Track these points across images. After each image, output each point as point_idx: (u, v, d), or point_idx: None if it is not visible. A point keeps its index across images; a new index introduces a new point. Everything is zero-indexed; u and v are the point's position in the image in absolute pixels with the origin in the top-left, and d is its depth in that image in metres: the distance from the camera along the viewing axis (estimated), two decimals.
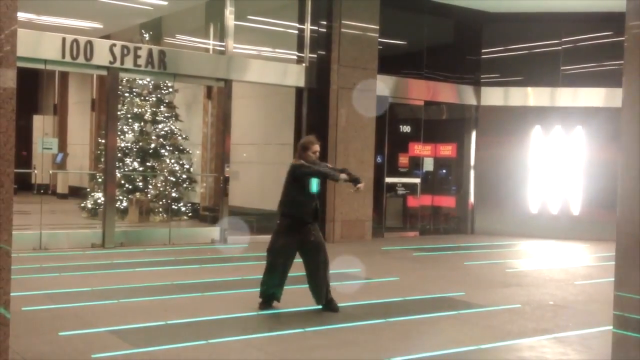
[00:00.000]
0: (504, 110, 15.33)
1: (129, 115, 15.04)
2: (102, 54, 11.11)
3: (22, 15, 13.27)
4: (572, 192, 14.97)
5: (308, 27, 13.41)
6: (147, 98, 15.24)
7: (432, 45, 15.13)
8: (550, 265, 11.32)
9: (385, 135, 14.11)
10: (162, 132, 15.22)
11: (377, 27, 13.61)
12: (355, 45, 13.30)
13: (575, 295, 8.63)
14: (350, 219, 13.23)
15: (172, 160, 15.17)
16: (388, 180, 14.24)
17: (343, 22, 13.12)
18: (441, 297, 8.12)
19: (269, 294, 7.11)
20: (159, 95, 15.35)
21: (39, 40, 10.70)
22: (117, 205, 12.92)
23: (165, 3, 14.31)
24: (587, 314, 7.49)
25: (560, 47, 15.06)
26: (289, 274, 7.14)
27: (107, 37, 15.93)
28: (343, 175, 6.85)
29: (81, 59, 10.91)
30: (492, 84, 15.50)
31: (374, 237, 13.67)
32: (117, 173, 12.78)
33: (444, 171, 15.59)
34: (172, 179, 15.07)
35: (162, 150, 15.03)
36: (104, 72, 11.49)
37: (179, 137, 15.45)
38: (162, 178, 15.05)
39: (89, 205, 14.88)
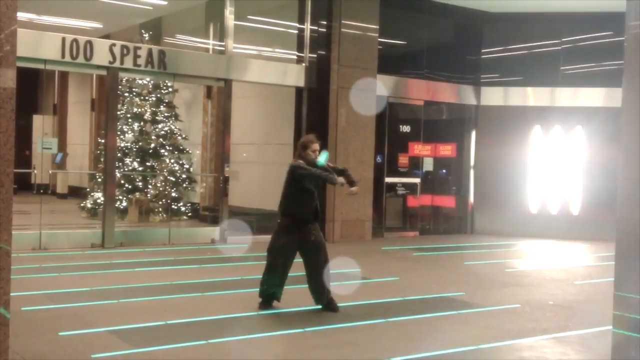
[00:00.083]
0: (504, 110, 15.33)
1: (128, 115, 15.03)
2: (101, 54, 11.11)
3: (22, 15, 13.27)
4: (572, 192, 14.97)
5: (308, 27, 13.41)
6: (146, 98, 15.24)
7: (432, 45, 15.14)
8: (550, 265, 11.32)
9: (385, 135, 14.11)
10: (162, 132, 15.22)
11: (377, 27, 13.61)
12: (355, 45, 13.30)
13: (575, 295, 8.63)
14: (350, 219, 13.23)
15: (172, 160, 15.17)
16: (388, 180, 14.24)
17: (343, 22, 13.12)
18: (441, 297, 8.12)
19: (269, 293, 7.11)
20: (158, 95, 15.35)
21: (39, 40, 10.69)
22: (116, 205, 12.92)
23: (165, 3, 14.31)
24: (587, 314, 7.48)
25: (560, 47, 15.06)
26: (289, 274, 7.14)
27: (106, 37, 15.93)
28: (340, 179, 6.85)
29: (81, 59, 10.91)
30: (492, 83, 15.50)
31: (374, 237, 13.67)
32: (116, 173, 12.77)
33: (444, 171, 15.59)
34: (172, 178, 15.07)
35: (162, 150, 15.02)
36: (104, 72, 11.49)
37: (179, 137, 15.45)
38: (161, 178, 15.05)
39: (89, 205, 14.88)
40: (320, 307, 7.07)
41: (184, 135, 15.57)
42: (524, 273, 10.31)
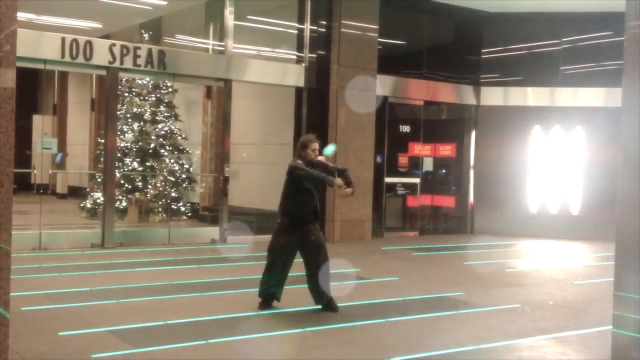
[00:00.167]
0: (504, 110, 15.33)
1: (128, 115, 15.03)
2: (101, 54, 11.11)
3: (22, 15, 13.26)
4: (572, 192, 14.97)
5: (308, 27, 13.41)
6: (146, 98, 15.23)
7: (431, 45, 15.14)
8: (550, 265, 11.32)
9: (384, 135, 14.11)
10: (162, 132, 15.22)
11: (377, 27, 13.61)
12: (355, 45, 13.30)
13: (575, 295, 8.63)
14: (350, 219, 13.23)
15: (172, 160, 15.17)
16: (388, 180, 14.24)
17: (343, 22, 13.12)
18: (441, 297, 8.12)
19: (269, 293, 7.11)
20: (158, 95, 15.35)
21: (39, 40, 10.69)
22: (116, 205, 12.91)
23: (165, 3, 14.31)
24: (587, 314, 7.48)
25: (559, 47, 15.06)
26: (289, 274, 7.14)
27: (106, 37, 15.93)
28: (338, 181, 6.85)
29: (81, 59, 10.91)
30: (492, 84, 15.50)
31: (374, 237, 13.67)
32: (116, 173, 12.77)
33: (444, 171, 15.60)
34: (172, 178, 15.07)
35: (162, 150, 15.02)
36: (104, 72, 11.48)
37: (179, 137, 15.45)
38: (161, 178, 15.05)
39: (89, 205, 14.88)
40: (320, 307, 7.07)
41: (183, 135, 15.57)
42: (524, 273, 10.31)
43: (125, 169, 14.62)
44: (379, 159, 13.96)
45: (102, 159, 13.21)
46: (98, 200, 14.00)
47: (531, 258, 12.16)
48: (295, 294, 7.31)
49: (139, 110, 15.11)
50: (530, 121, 15.14)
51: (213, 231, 12.54)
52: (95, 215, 14.37)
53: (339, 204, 12.93)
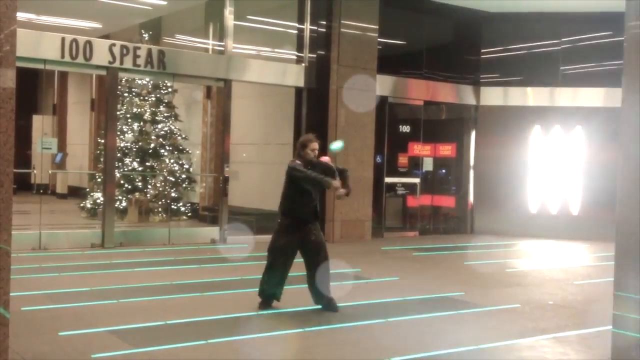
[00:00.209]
0: (504, 110, 15.33)
1: (128, 115, 15.03)
2: (101, 54, 11.11)
3: (22, 15, 13.26)
4: (572, 192, 14.97)
5: (307, 27, 13.41)
6: (146, 98, 15.23)
7: (431, 45, 15.13)
8: (549, 265, 11.32)
9: (384, 135, 14.10)
10: (162, 132, 15.22)
11: (377, 27, 13.61)
12: (355, 45, 13.30)
13: (575, 295, 8.63)
14: (350, 219, 13.23)
15: (172, 160, 15.17)
16: (388, 180, 14.24)
17: (342, 22, 13.12)
18: (441, 297, 8.12)
19: (269, 293, 7.11)
20: (158, 95, 15.35)
21: (39, 40, 10.69)
22: (116, 205, 12.91)
23: (165, 3, 14.31)
24: (587, 313, 7.49)
25: (560, 47, 15.05)
26: (289, 274, 7.15)
27: (106, 37, 15.93)
28: (335, 183, 6.87)
29: (80, 59, 10.91)
30: (491, 83, 15.50)
31: (374, 237, 13.67)
32: (116, 173, 12.77)
33: (444, 171, 15.59)
34: (172, 178, 15.07)
35: (162, 150, 15.02)
36: (103, 72, 11.48)
37: (179, 137, 15.45)
38: (161, 178, 15.05)
39: (89, 205, 14.88)
40: (320, 307, 7.08)
41: (183, 135, 15.57)
42: (524, 273, 10.31)
43: (125, 169, 14.62)
44: (378, 159, 13.96)
45: (102, 159, 13.21)
46: (98, 200, 14.00)
47: (531, 258, 12.16)
48: (296, 294, 7.31)
49: (139, 110, 15.11)
50: (530, 121, 15.13)
51: (213, 231, 12.54)
52: (95, 215, 14.37)
53: (338, 204, 12.93)
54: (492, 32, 15.48)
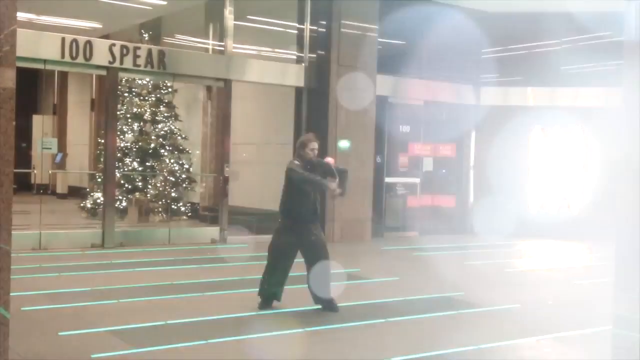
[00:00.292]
0: (504, 110, 15.31)
1: (128, 115, 15.02)
2: (101, 54, 11.11)
3: (22, 15, 13.25)
4: (572, 192, 14.97)
5: (307, 27, 13.41)
6: (146, 98, 15.22)
7: (431, 45, 15.10)
8: (550, 265, 11.32)
9: (384, 135, 14.10)
10: (162, 132, 15.21)
11: (376, 27, 13.61)
12: (355, 45, 13.30)
13: (575, 295, 8.63)
14: (350, 219, 13.23)
15: (172, 160, 15.16)
16: (388, 180, 14.23)
17: (342, 22, 13.12)
18: (441, 297, 8.11)
19: (269, 293, 7.11)
20: (158, 95, 15.34)
21: (39, 40, 10.69)
22: (116, 205, 12.91)
23: (165, 3, 14.30)
24: (587, 313, 7.48)
25: (560, 47, 15.03)
26: (289, 274, 7.14)
27: (106, 37, 15.92)
28: (332, 185, 6.88)
29: (80, 59, 10.90)
30: (492, 84, 15.48)
31: (374, 236, 13.66)
32: (116, 173, 12.76)
33: (444, 171, 15.59)
34: (172, 178, 15.06)
35: (162, 150, 15.01)
36: (104, 72, 11.48)
37: (179, 137, 15.43)
38: (161, 178, 15.04)
39: (89, 205, 14.87)
40: (320, 307, 7.07)
41: (183, 135, 15.56)
42: (524, 273, 10.31)
43: (125, 169, 14.62)
44: (378, 159, 13.95)
45: (102, 159, 13.21)
46: (98, 200, 13.99)
47: (531, 258, 12.16)
48: (296, 294, 7.30)
49: (139, 110, 15.10)
50: (531, 121, 15.12)
51: (213, 231, 12.53)
52: (95, 215, 14.36)
53: (339, 204, 12.91)
54: (492, 32, 15.45)
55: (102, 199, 12.39)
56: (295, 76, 13.22)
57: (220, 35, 13.38)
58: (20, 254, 9.87)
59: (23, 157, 19.00)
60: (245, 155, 15.51)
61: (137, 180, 14.74)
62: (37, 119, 20.61)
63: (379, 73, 13.62)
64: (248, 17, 14.00)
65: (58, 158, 18.14)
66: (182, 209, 15.03)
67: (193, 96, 16.41)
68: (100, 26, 16.24)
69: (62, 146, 19.49)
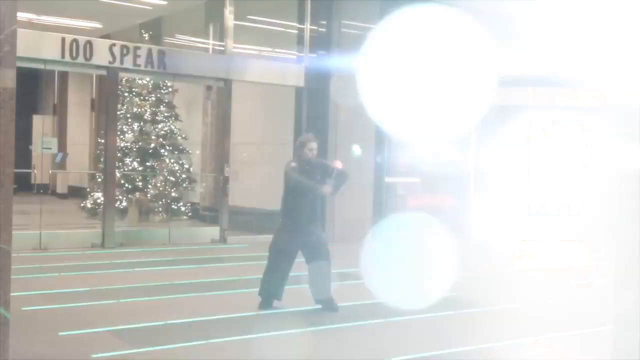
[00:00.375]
0: (504, 109, 15.29)
1: (128, 115, 15.02)
2: (101, 54, 11.11)
3: (22, 15, 13.25)
4: (572, 192, 14.96)
5: (308, 27, 13.41)
6: (146, 98, 15.22)
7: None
8: (550, 264, 11.32)
9: (384, 134, 14.07)
10: (162, 132, 15.21)
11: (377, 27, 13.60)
12: (355, 45, 13.28)
13: (575, 295, 8.62)
14: (350, 219, 13.22)
15: (172, 160, 15.16)
16: (388, 180, 14.22)
17: (343, 21, 13.12)
18: (441, 297, 8.10)
19: (270, 293, 7.11)
20: (158, 95, 15.34)
21: (39, 40, 10.69)
22: (116, 205, 12.91)
23: (165, 3, 14.31)
24: (587, 313, 7.48)
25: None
26: (289, 274, 7.14)
27: (106, 37, 15.92)
28: (326, 188, 6.91)
29: (81, 59, 10.91)
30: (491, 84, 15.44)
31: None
32: (116, 173, 12.76)
33: (444, 171, 15.55)
34: (172, 178, 15.06)
35: (162, 150, 15.01)
36: (104, 72, 11.48)
37: (179, 137, 15.44)
38: (161, 178, 15.04)
39: (89, 205, 14.87)
40: (320, 306, 7.07)
41: (183, 135, 15.56)
42: (524, 272, 10.30)
43: (125, 169, 14.62)
44: (379, 159, 13.94)
45: (102, 159, 13.21)
46: (98, 200, 13.99)
47: (531, 258, 12.15)
48: (296, 294, 7.30)
49: (139, 110, 15.10)
50: (531, 121, 15.11)
51: (213, 231, 12.53)
52: (95, 215, 14.36)
53: (339, 204, 12.92)
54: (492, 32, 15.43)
55: (102, 199, 12.39)
56: (295, 76, 13.22)
57: (220, 35, 13.38)
58: (21, 254, 9.87)
59: (23, 157, 19.01)
60: (245, 155, 15.51)
61: (137, 180, 14.74)
62: (37, 119, 20.60)
63: None
64: (248, 17, 14.00)
65: (58, 158, 18.14)
66: (182, 209, 15.03)
67: (193, 96, 16.42)
68: (101, 26, 16.25)
69: (62, 146, 19.49)
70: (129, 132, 14.96)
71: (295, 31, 13.71)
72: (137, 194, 14.63)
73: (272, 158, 14.56)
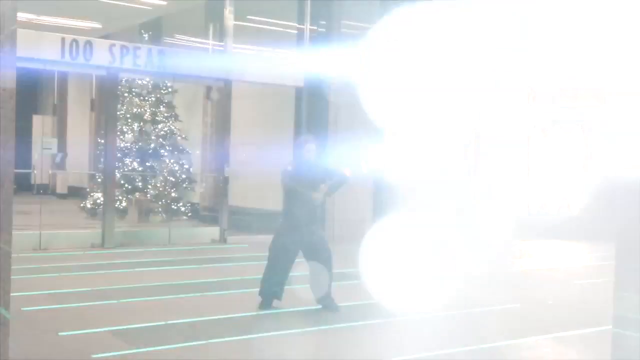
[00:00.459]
0: (504, 109, 15.30)
1: (128, 115, 15.01)
2: (101, 54, 11.10)
3: (22, 15, 13.25)
4: (572, 192, 14.97)
5: (308, 27, 13.40)
6: (146, 98, 15.21)
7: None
8: (550, 265, 11.32)
9: (384, 135, 14.07)
10: (162, 132, 15.20)
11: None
12: (355, 45, 13.28)
13: (575, 295, 8.62)
14: (350, 219, 13.21)
15: (172, 160, 15.15)
16: (388, 180, 14.20)
17: (343, 22, 13.11)
18: (441, 297, 8.10)
19: (270, 293, 7.11)
20: (158, 95, 15.33)
21: (39, 40, 10.69)
22: (116, 206, 12.91)
23: (165, 3, 14.31)
24: (587, 313, 7.48)
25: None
26: (290, 274, 7.15)
27: (106, 37, 15.92)
28: (316, 195, 6.92)
29: (80, 59, 10.90)
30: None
31: None
32: (116, 173, 12.76)
33: (444, 171, 15.55)
34: (172, 179, 15.05)
35: (162, 150, 15.01)
36: (104, 72, 11.48)
37: (179, 137, 15.43)
38: (161, 178, 15.03)
39: (89, 206, 14.86)
40: (320, 306, 7.07)
41: (183, 136, 15.56)
42: (524, 273, 10.31)
43: (125, 169, 14.61)
44: (379, 159, 13.93)
45: (102, 159, 13.21)
46: (98, 201, 13.99)
47: (531, 258, 12.15)
48: (296, 294, 7.30)
49: (139, 110, 15.09)
50: (528, 121, 15.11)
51: (213, 231, 12.53)
52: (95, 216, 14.35)
53: (339, 204, 12.91)
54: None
55: (102, 199, 12.39)
56: (295, 76, 13.21)
57: (220, 35, 13.37)
58: (21, 254, 9.86)
59: (23, 157, 19.01)
60: (245, 155, 15.50)
61: (137, 180, 14.74)
62: (37, 119, 20.61)
63: None
64: (248, 17, 14.00)
65: (58, 158, 18.14)
66: (182, 209, 15.03)
67: (193, 96, 16.41)
68: (100, 26, 16.25)
69: (62, 146, 19.50)
70: (129, 132, 14.96)
71: (295, 31, 13.71)
72: (137, 194, 14.62)
73: (272, 158, 14.55)
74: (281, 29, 14.54)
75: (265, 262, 7.15)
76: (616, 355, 4.74)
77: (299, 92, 13.42)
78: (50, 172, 17.21)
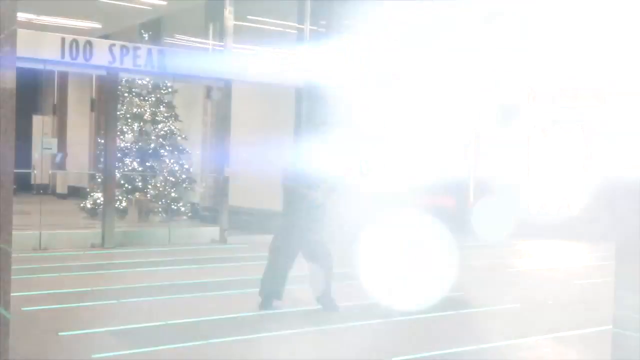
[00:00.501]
0: (503, 109, 15.30)
1: (128, 115, 15.01)
2: (101, 54, 11.10)
3: (22, 15, 13.26)
4: (572, 192, 14.96)
5: (308, 27, 13.40)
6: (146, 98, 15.21)
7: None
8: (549, 264, 11.32)
9: (384, 135, 14.07)
10: (162, 132, 15.20)
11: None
12: (354, 45, 13.29)
13: (574, 295, 8.62)
14: (350, 219, 13.20)
15: (172, 160, 15.14)
16: (387, 179, 14.20)
17: (343, 22, 13.11)
18: (441, 297, 8.10)
19: (270, 293, 7.11)
20: (158, 95, 15.33)
21: (39, 40, 10.69)
22: (116, 206, 12.91)
23: (165, 3, 14.31)
24: (587, 313, 7.48)
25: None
26: (290, 274, 7.15)
27: (106, 37, 15.92)
28: (316, 195, 6.92)
29: (80, 59, 10.90)
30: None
31: None
32: (116, 173, 12.76)
33: (444, 170, 15.55)
34: (172, 179, 15.05)
35: (162, 150, 15.00)
36: (104, 72, 11.48)
37: (179, 137, 15.42)
38: (161, 178, 15.03)
39: (89, 205, 14.86)
40: (320, 306, 7.07)
41: (183, 136, 15.56)
42: (524, 273, 10.31)
43: (125, 169, 14.61)
44: (379, 159, 13.94)
45: (102, 159, 13.21)
46: (98, 201, 13.99)
47: (531, 258, 12.15)
48: (296, 294, 7.30)
49: (139, 110, 15.09)
50: (530, 121, 15.11)
51: (213, 231, 12.53)
52: (95, 216, 14.35)
53: (338, 204, 12.89)
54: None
55: (102, 199, 12.39)
56: (295, 76, 13.21)
57: (220, 35, 13.38)
58: (21, 254, 9.86)
59: (23, 157, 19.00)
60: (245, 156, 15.49)
61: (137, 180, 14.74)
62: (37, 119, 20.60)
63: None
64: (248, 17, 14.00)
65: (58, 158, 18.13)
66: (182, 209, 15.03)
67: (193, 96, 16.41)
68: (100, 26, 16.25)
69: (62, 146, 19.49)
70: (129, 132, 14.96)
71: (295, 31, 13.71)
72: (137, 194, 14.62)
73: (272, 158, 14.54)
74: (281, 29, 14.54)
75: (265, 262, 7.15)
76: (616, 355, 4.74)
77: (299, 92, 13.42)
78: (50, 172, 17.21)
